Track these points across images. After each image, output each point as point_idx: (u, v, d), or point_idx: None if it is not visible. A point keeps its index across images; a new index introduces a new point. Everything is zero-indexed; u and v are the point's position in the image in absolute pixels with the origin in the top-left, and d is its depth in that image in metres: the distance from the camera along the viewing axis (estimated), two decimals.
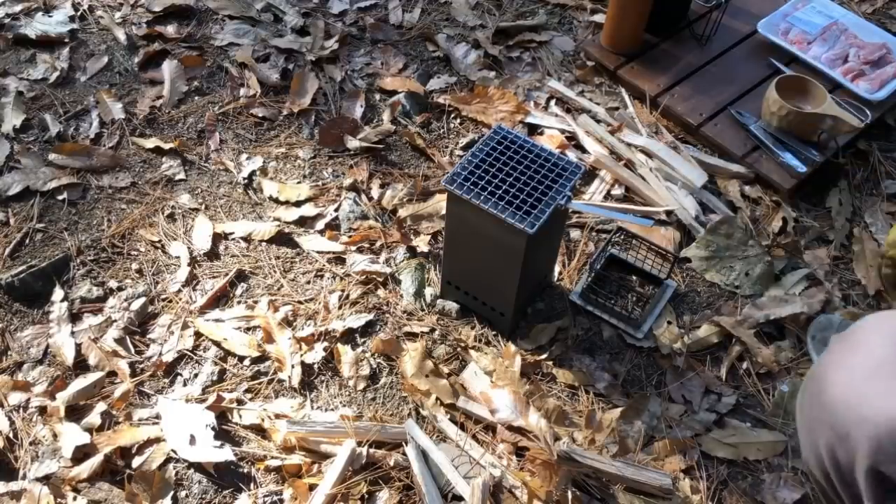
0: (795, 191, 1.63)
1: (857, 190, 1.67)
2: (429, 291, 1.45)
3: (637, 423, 1.29)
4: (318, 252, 1.51)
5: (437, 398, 1.29)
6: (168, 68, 1.82)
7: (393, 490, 1.19)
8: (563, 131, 1.73)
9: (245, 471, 1.23)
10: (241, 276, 1.47)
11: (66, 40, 1.87)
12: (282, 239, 1.53)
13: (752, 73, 1.82)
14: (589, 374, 1.35)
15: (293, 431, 1.23)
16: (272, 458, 1.23)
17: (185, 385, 1.32)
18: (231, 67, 1.85)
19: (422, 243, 1.51)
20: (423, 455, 1.22)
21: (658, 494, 1.20)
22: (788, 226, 1.59)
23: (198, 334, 1.38)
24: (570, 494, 1.18)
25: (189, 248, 1.50)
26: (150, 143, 1.67)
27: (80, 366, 1.34)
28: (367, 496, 1.19)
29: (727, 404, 1.33)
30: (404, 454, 1.22)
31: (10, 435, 1.25)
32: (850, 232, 1.59)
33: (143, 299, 1.42)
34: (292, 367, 1.33)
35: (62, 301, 1.41)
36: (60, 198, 1.58)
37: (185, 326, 1.39)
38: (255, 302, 1.43)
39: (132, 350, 1.36)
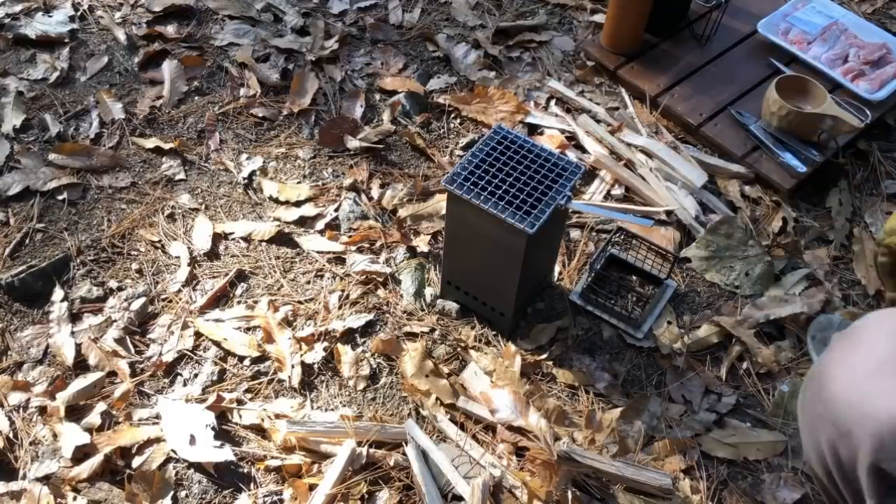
0: (795, 191, 1.63)
1: (857, 190, 1.67)
2: (429, 291, 1.45)
3: (637, 423, 1.29)
4: (318, 252, 1.51)
5: (437, 398, 1.29)
6: (168, 68, 1.82)
7: (393, 490, 1.19)
8: (563, 131, 1.73)
9: (245, 471, 1.23)
10: (241, 276, 1.47)
11: (66, 40, 1.88)
12: (282, 239, 1.53)
13: (752, 73, 1.82)
14: (589, 374, 1.35)
15: (293, 431, 1.23)
16: (272, 458, 1.23)
17: (185, 385, 1.32)
18: (231, 67, 1.85)
19: (422, 243, 1.51)
20: (423, 455, 1.22)
21: (658, 494, 1.20)
22: (788, 226, 1.59)
23: (198, 334, 1.38)
24: (570, 494, 1.18)
25: (189, 248, 1.50)
26: (150, 143, 1.67)
27: (80, 366, 1.34)
28: (367, 496, 1.19)
29: (727, 404, 1.33)
30: (404, 454, 1.22)
31: (10, 435, 1.25)
32: (850, 232, 1.59)
33: (143, 299, 1.42)
34: (292, 367, 1.33)
35: (62, 301, 1.41)
36: (60, 198, 1.58)
37: (185, 326, 1.39)
38: (255, 302, 1.43)
39: (132, 350, 1.36)
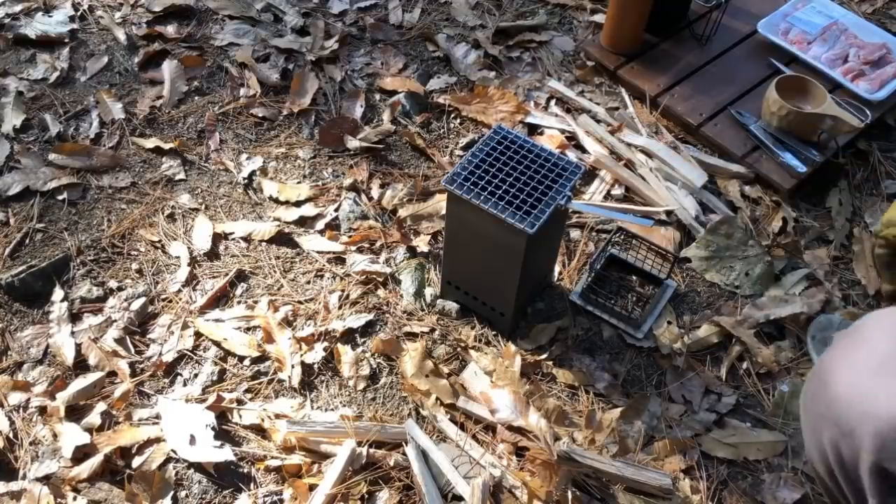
0: (795, 191, 1.63)
1: (857, 190, 1.67)
2: (429, 291, 1.45)
3: (637, 423, 1.29)
4: (318, 252, 1.51)
5: (437, 398, 1.29)
6: (168, 68, 1.82)
7: (393, 490, 1.19)
8: (563, 131, 1.73)
9: (245, 471, 1.23)
10: (241, 276, 1.47)
11: (66, 40, 1.87)
12: (282, 239, 1.53)
13: (752, 73, 1.82)
14: (589, 374, 1.35)
15: (293, 431, 1.23)
16: (272, 458, 1.23)
17: (185, 385, 1.32)
18: (231, 67, 1.85)
19: (422, 243, 1.51)
20: (423, 455, 1.22)
21: (658, 494, 1.20)
22: (788, 226, 1.59)
23: (198, 334, 1.38)
24: (570, 494, 1.18)
25: (189, 248, 1.50)
26: (150, 143, 1.67)
27: (80, 366, 1.34)
28: (367, 496, 1.19)
29: (727, 404, 1.33)
30: (404, 454, 1.22)
31: (10, 435, 1.25)
32: (850, 232, 1.59)
33: (143, 299, 1.42)
34: (292, 367, 1.33)
35: (62, 301, 1.41)
36: (60, 198, 1.58)
37: (185, 326, 1.39)
38: (255, 302, 1.43)
39: (132, 350, 1.36)
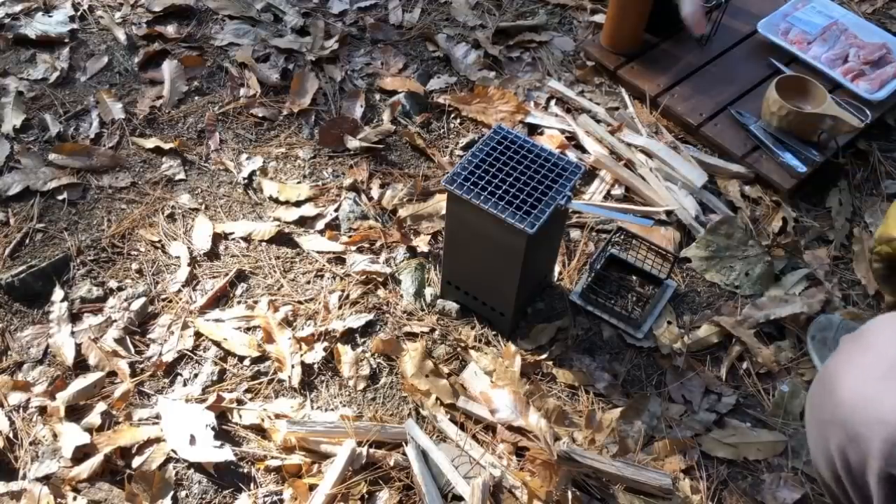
0: (795, 191, 1.63)
1: (857, 190, 1.67)
2: (429, 291, 1.45)
3: (637, 423, 1.29)
4: (318, 252, 1.51)
5: (437, 398, 1.29)
6: (168, 68, 1.82)
7: (393, 490, 1.19)
8: (563, 131, 1.73)
9: (245, 471, 1.23)
10: (241, 276, 1.47)
11: (66, 40, 1.88)
12: (282, 239, 1.53)
13: (752, 73, 1.82)
14: (589, 374, 1.35)
15: (293, 431, 1.23)
16: (272, 458, 1.23)
17: (185, 385, 1.32)
18: (231, 67, 1.85)
19: (422, 243, 1.51)
20: (423, 455, 1.22)
21: (658, 494, 1.20)
22: (788, 226, 1.59)
23: (198, 334, 1.38)
24: (570, 494, 1.18)
25: (189, 248, 1.50)
26: (150, 143, 1.67)
27: (80, 366, 1.34)
28: (367, 496, 1.19)
29: (727, 404, 1.33)
30: (404, 454, 1.22)
31: (10, 435, 1.25)
32: (850, 232, 1.59)
33: (143, 299, 1.42)
34: (292, 367, 1.33)
35: (62, 301, 1.41)
36: (60, 198, 1.58)
37: (185, 326, 1.39)
38: (255, 302, 1.43)
39: (132, 350, 1.36)
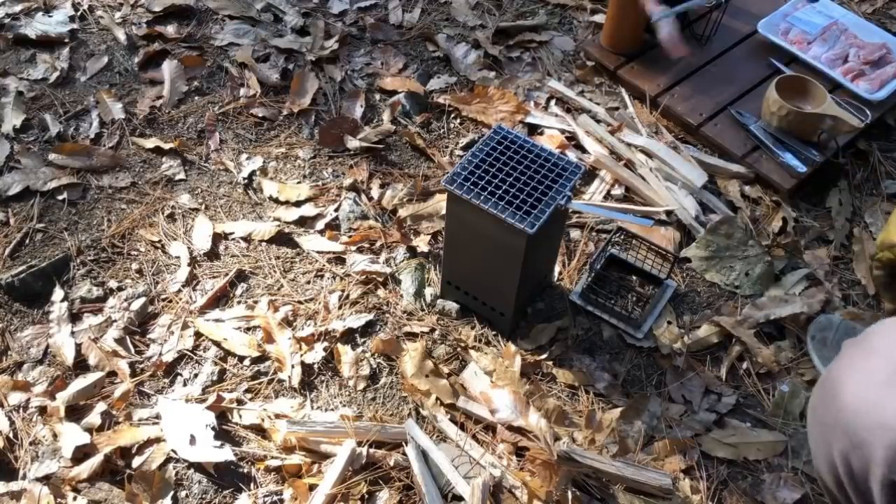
0: (795, 191, 1.63)
1: (857, 190, 1.67)
2: (429, 291, 1.45)
3: (637, 423, 1.29)
4: (318, 252, 1.51)
5: (437, 398, 1.29)
6: (168, 68, 1.82)
7: (393, 490, 1.19)
8: (563, 131, 1.73)
9: (245, 471, 1.23)
10: (241, 276, 1.47)
11: (66, 40, 1.88)
12: (282, 239, 1.53)
13: (752, 73, 1.82)
14: (589, 374, 1.35)
15: (293, 431, 1.23)
16: (272, 458, 1.23)
17: (185, 385, 1.32)
18: (231, 67, 1.85)
19: (422, 243, 1.51)
20: (423, 455, 1.22)
21: (658, 494, 1.20)
22: (788, 226, 1.59)
23: (198, 334, 1.38)
24: (570, 494, 1.18)
25: (189, 248, 1.50)
26: (150, 143, 1.67)
27: (80, 366, 1.34)
28: (367, 496, 1.19)
29: (727, 404, 1.33)
30: (404, 454, 1.22)
31: (10, 435, 1.25)
32: (850, 232, 1.59)
33: (143, 299, 1.42)
34: (292, 367, 1.33)
35: (62, 301, 1.41)
36: (60, 198, 1.58)
37: (185, 326, 1.39)
38: (255, 302, 1.43)
39: (132, 350, 1.36)
